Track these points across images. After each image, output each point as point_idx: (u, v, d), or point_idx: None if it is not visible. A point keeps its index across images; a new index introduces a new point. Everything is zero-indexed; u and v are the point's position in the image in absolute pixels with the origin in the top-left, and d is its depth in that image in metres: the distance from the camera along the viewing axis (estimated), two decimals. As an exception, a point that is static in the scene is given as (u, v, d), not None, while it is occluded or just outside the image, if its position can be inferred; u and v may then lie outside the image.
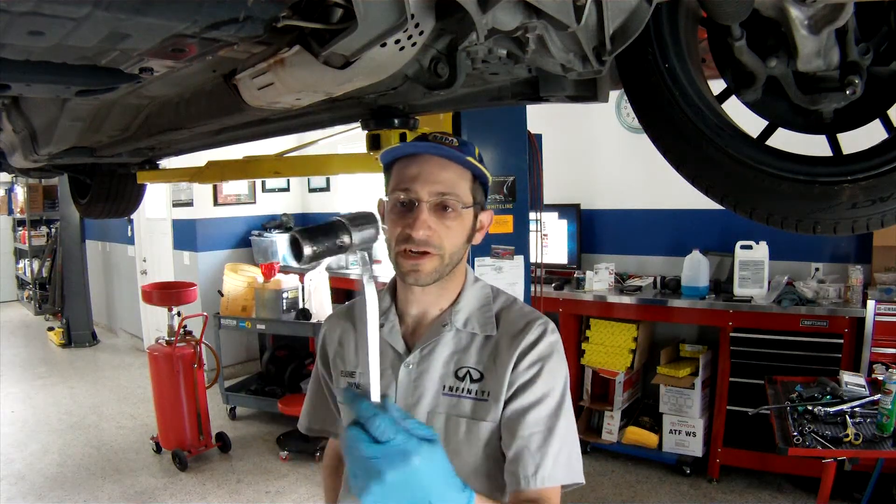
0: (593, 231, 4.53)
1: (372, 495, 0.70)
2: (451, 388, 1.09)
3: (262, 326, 4.61)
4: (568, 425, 1.07)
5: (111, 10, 0.77)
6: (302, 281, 4.68)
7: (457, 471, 0.92)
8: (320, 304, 4.58)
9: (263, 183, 6.22)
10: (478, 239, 1.14)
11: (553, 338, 1.11)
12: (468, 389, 1.08)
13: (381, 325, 1.16)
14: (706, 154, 1.19)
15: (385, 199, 1.12)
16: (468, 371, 1.09)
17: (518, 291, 2.85)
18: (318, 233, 0.83)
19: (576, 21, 0.92)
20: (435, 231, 1.04)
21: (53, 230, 9.02)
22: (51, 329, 7.80)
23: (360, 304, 1.25)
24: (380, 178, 1.21)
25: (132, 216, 5.01)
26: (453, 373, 1.09)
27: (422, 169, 1.05)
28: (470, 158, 1.07)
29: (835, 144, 1.24)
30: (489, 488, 1.07)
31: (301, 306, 4.58)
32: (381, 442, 0.71)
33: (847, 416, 2.48)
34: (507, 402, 1.07)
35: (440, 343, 1.11)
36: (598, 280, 4.05)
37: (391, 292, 1.19)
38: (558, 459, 1.04)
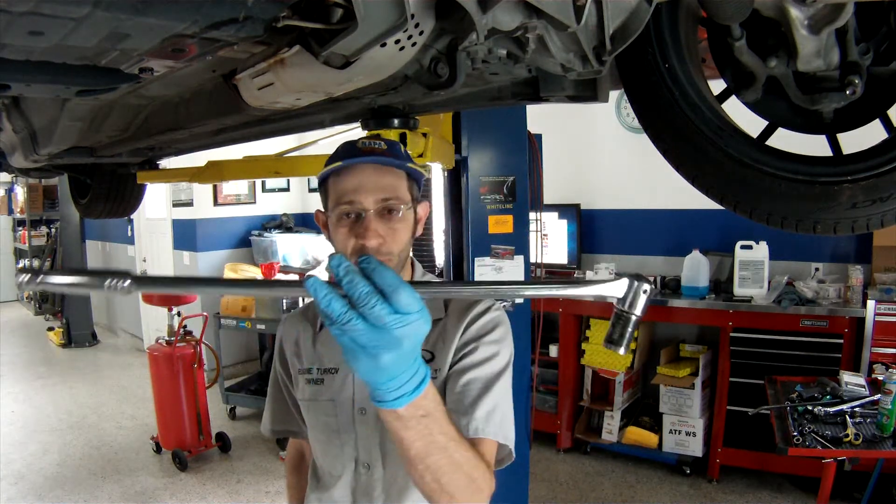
0: (593, 231, 4.53)
1: (362, 371, 0.72)
2: None
3: (262, 326, 4.61)
4: (505, 392, 1.10)
5: (111, 10, 0.77)
6: (302, 281, 4.68)
7: None
8: (320, 304, 4.57)
9: (263, 183, 6.22)
10: (418, 231, 1.17)
11: (499, 313, 1.16)
12: None
13: None
14: (706, 154, 1.19)
15: (322, 211, 1.15)
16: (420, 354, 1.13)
17: (518, 291, 2.84)
18: None
19: (576, 21, 0.92)
20: (384, 238, 1.07)
21: (53, 230, 9.00)
22: (51, 329, 7.80)
23: (315, 305, 1.27)
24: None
25: (132, 216, 5.00)
26: None
27: (361, 179, 1.07)
28: (409, 164, 1.11)
29: (835, 144, 1.24)
30: None
31: (301, 306, 4.58)
32: (372, 323, 0.69)
33: (847, 416, 2.48)
34: (451, 366, 1.11)
35: None
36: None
37: None
38: (492, 417, 1.06)
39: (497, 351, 1.12)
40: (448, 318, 1.16)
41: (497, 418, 1.06)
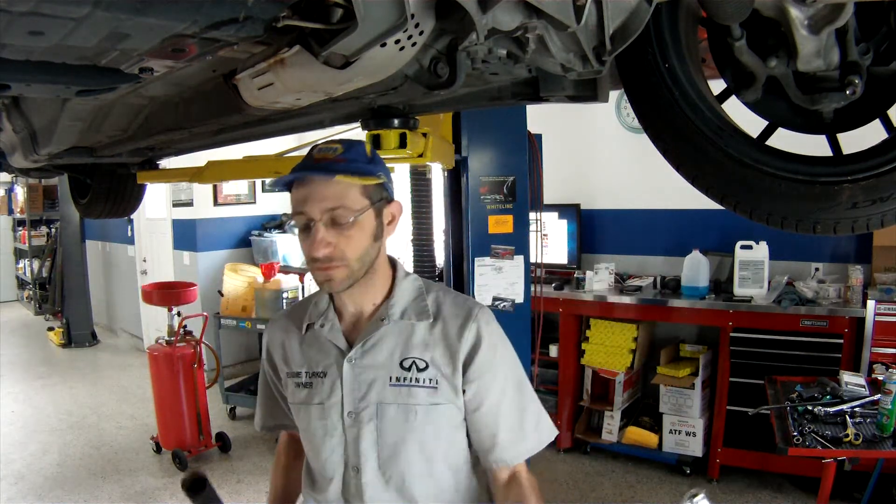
0: (593, 231, 4.53)
1: None
2: (398, 379, 1.14)
3: (262, 326, 4.60)
4: (531, 395, 1.20)
5: (111, 10, 0.77)
6: (302, 281, 4.68)
7: (421, 455, 1.13)
8: (320, 304, 4.57)
9: (263, 183, 6.21)
10: (390, 232, 1.18)
11: (492, 326, 1.18)
12: (416, 378, 1.14)
13: (322, 325, 1.22)
14: (706, 154, 1.19)
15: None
16: (413, 361, 1.15)
17: (518, 291, 2.85)
18: None
19: (576, 21, 0.92)
20: (335, 244, 1.09)
21: (53, 230, 9.01)
22: (51, 329, 7.80)
23: (299, 307, 1.32)
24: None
25: (132, 216, 5.00)
26: (398, 364, 1.15)
27: (309, 189, 1.09)
28: (367, 166, 1.11)
29: (835, 144, 1.24)
30: (452, 468, 1.18)
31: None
32: None
33: (847, 416, 2.48)
34: (474, 405, 1.15)
35: (381, 337, 1.17)
36: (598, 280, 4.05)
37: (329, 293, 1.23)
38: (539, 428, 1.19)
39: (506, 370, 1.17)
40: (442, 326, 1.16)
41: (545, 427, 1.21)
